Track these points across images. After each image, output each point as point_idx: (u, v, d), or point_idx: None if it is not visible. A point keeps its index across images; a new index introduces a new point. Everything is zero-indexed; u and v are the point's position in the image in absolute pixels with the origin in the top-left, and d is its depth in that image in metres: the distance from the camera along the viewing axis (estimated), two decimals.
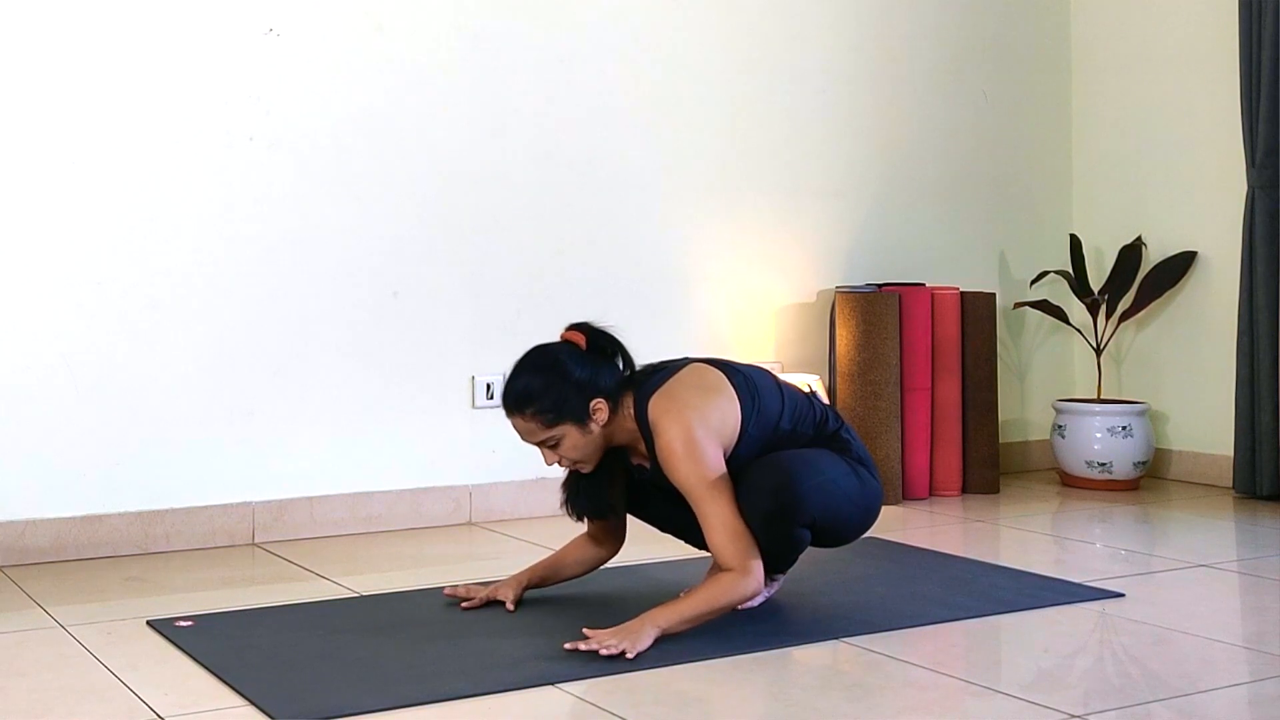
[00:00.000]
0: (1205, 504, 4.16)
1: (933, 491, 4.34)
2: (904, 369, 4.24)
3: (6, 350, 3.38)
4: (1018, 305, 4.66)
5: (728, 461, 2.64)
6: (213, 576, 3.24)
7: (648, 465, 2.74)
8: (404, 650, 2.56)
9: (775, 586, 2.87)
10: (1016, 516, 3.98)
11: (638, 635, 2.48)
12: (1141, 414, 4.43)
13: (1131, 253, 4.60)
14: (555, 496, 2.86)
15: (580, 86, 4.08)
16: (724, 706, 2.27)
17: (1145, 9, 4.70)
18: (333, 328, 3.75)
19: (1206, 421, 4.53)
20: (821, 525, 2.67)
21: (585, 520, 2.87)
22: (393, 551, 3.53)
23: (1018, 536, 3.69)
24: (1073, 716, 2.17)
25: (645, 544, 3.36)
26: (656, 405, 2.63)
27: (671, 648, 2.51)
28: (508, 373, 2.70)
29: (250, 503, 3.64)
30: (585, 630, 2.55)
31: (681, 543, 3.01)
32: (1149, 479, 4.61)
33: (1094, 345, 4.63)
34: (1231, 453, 4.39)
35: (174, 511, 3.55)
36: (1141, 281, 4.57)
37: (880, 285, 4.39)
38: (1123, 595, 2.96)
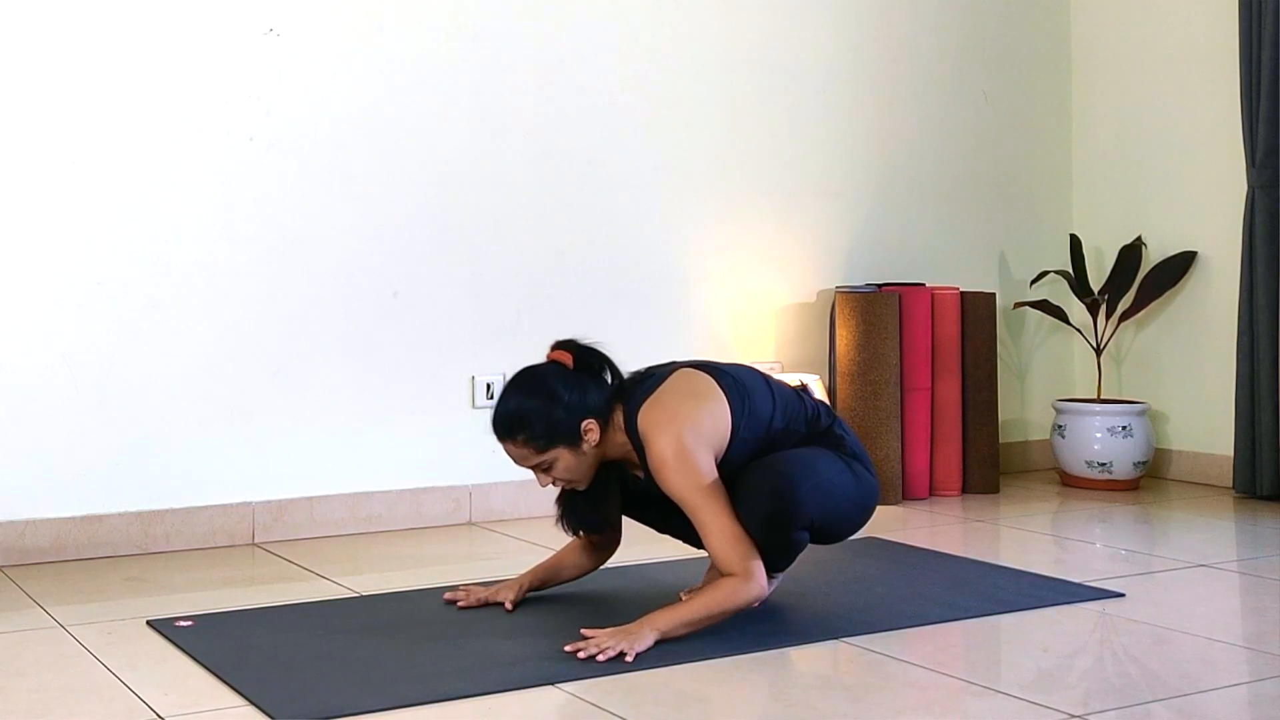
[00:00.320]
0: (1205, 504, 4.16)
1: (933, 491, 4.34)
2: (904, 369, 4.24)
3: (6, 350, 3.38)
4: (1018, 305, 4.66)
5: (721, 464, 2.63)
6: (213, 576, 3.24)
7: (642, 475, 2.73)
8: (404, 650, 2.56)
9: (773, 585, 2.87)
10: (1016, 516, 3.98)
11: (637, 637, 2.48)
12: (1141, 414, 4.43)
13: (1131, 253, 4.60)
14: (555, 496, 2.86)
15: (580, 86, 4.08)
16: (724, 706, 2.27)
17: (1145, 9, 4.70)
18: (333, 328, 3.75)
19: (1206, 421, 4.53)
20: (820, 526, 2.67)
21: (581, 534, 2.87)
22: (393, 551, 3.53)
23: (1018, 536, 3.69)
24: (1073, 716, 2.17)
25: (645, 544, 3.36)
26: (646, 417, 2.61)
27: (671, 648, 2.51)
28: (495, 398, 2.69)
29: (250, 503, 3.64)
30: (584, 630, 2.55)
31: (681, 543, 3.01)
32: (1149, 479, 4.61)
33: (1094, 345, 4.63)
34: (1231, 453, 4.39)
35: (174, 511, 3.55)
36: (1141, 281, 4.57)
37: (880, 285, 4.39)
38: (1123, 595, 2.96)
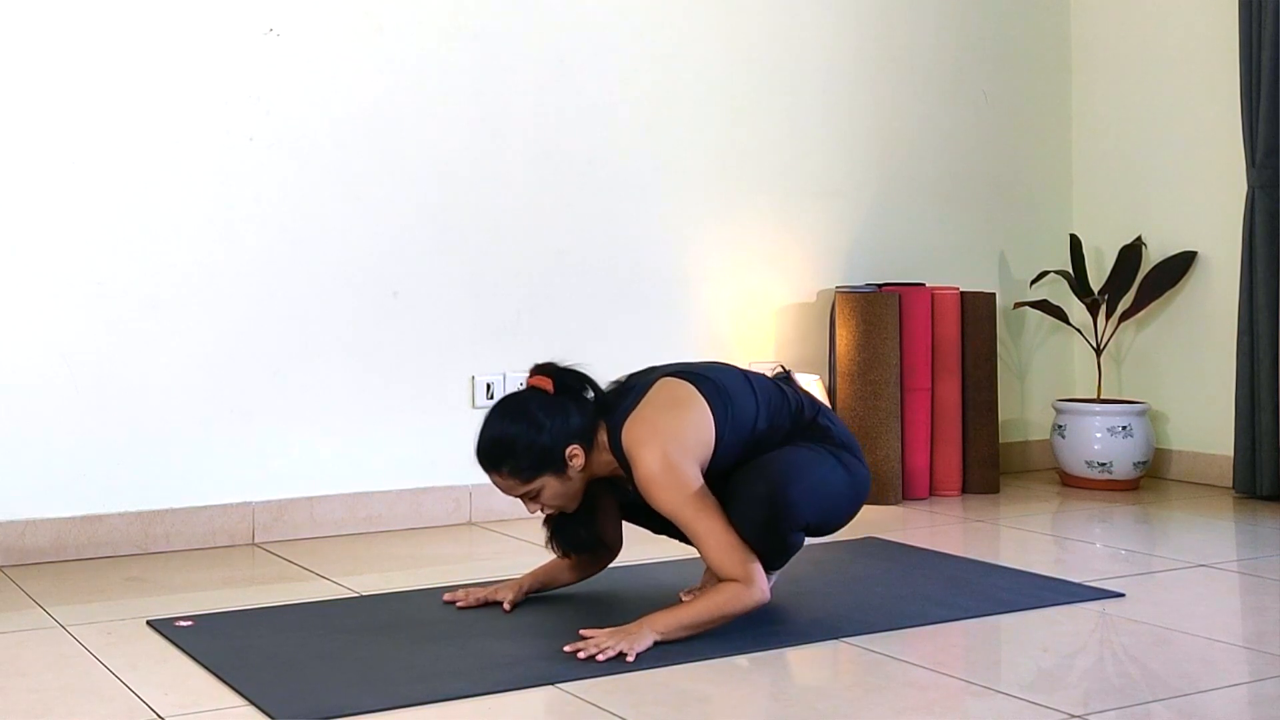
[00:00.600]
0: (1205, 504, 4.16)
1: (933, 491, 4.34)
2: (904, 369, 4.24)
3: (7, 350, 3.38)
4: (1018, 305, 4.66)
5: (708, 470, 2.61)
6: (213, 576, 3.24)
7: (632, 490, 2.71)
8: (404, 650, 2.56)
9: (770, 582, 2.85)
10: (1016, 516, 3.98)
11: (636, 637, 2.48)
12: (1141, 414, 4.43)
13: (1131, 253, 4.60)
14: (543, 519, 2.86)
15: (580, 87, 4.08)
16: (724, 706, 2.27)
17: (1145, 9, 4.70)
18: (333, 328, 3.75)
19: (1206, 421, 4.53)
20: (816, 524, 2.67)
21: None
22: (393, 551, 3.53)
23: (1018, 536, 3.69)
24: (1073, 716, 2.17)
25: (645, 544, 3.35)
26: (630, 434, 2.59)
27: (671, 648, 2.51)
28: (478, 429, 2.67)
29: (250, 503, 3.64)
30: (583, 631, 2.55)
31: (680, 544, 3.01)
32: (1149, 479, 4.61)
33: (1094, 345, 4.63)
34: (1231, 453, 4.39)
35: (174, 511, 3.55)
36: (1141, 281, 4.57)
37: (880, 285, 4.39)
38: (1123, 595, 2.96)
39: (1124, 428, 4.38)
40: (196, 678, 2.42)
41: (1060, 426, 4.49)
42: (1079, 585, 3.04)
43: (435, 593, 2.98)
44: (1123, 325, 4.68)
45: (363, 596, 3.01)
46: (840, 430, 2.77)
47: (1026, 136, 4.86)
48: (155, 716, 2.22)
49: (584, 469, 2.66)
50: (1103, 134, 4.85)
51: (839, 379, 4.23)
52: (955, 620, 2.77)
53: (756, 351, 4.31)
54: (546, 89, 4.03)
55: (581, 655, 2.45)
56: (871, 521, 3.89)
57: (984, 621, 2.78)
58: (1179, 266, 4.54)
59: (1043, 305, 4.55)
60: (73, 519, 3.44)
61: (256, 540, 3.64)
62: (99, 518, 3.47)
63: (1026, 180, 4.87)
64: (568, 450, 2.62)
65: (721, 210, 4.29)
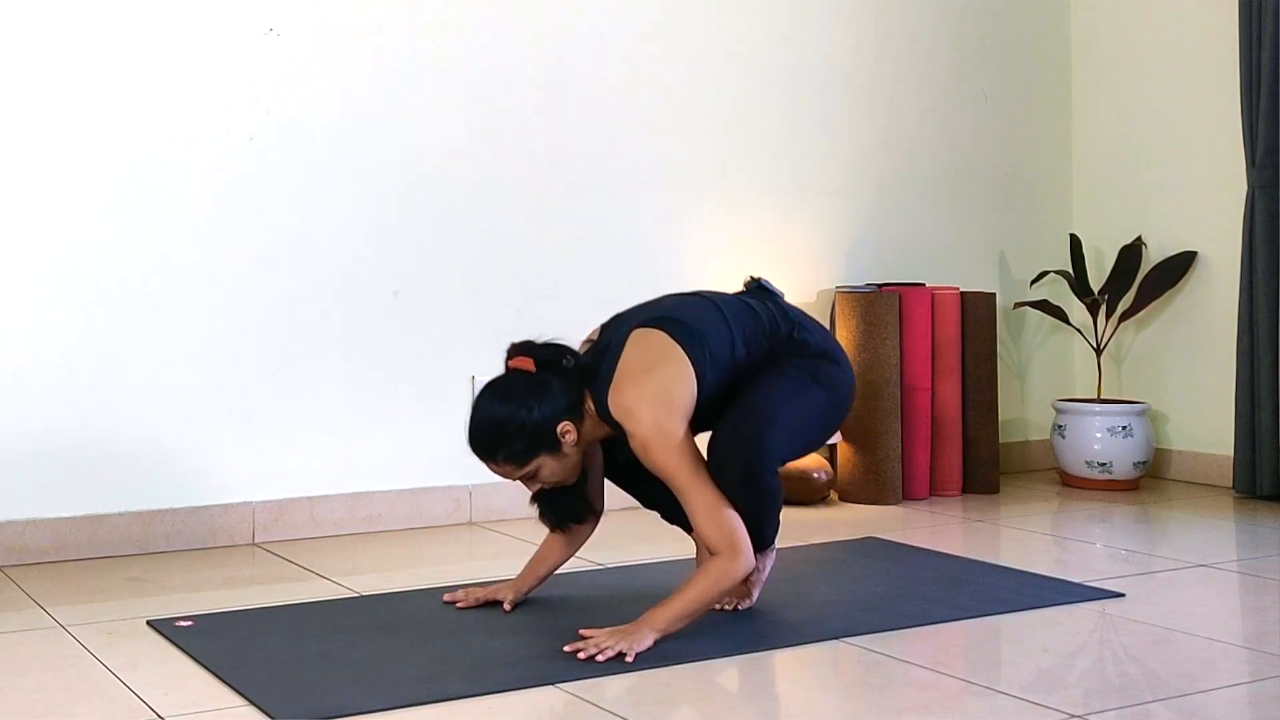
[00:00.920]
0: (1205, 504, 4.16)
1: (933, 491, 4.34)
2: (904, 369, 4.24)
3: (7, 350, 3.38)
4: (1018, 305, 4.66)
5: (697, 407, 2.61)
6: (213, 576, 3.24)
7: (628, 451, 2.70)
8: (404, 650, 2.56)
9: (768, 564, 2.85)
10: (1016, 516, 3.98)
11: (636, 638, 2.48)
12: (1141, 414, 4.43)
13: (1131, 253, 4.60)
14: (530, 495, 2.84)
15: (580, 86, 4.08)
16: (724, 706, 2.27)
17: (1145, 9, 4.70)
18: (333, 328, 3.75)
19: (1206, 421, 4.53)
20: (801, 453, 2.72)
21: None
22: (393, 551, 3.53)
23: (1018, 536, 3.69)
24: (1073, 716, 2.17)
25: (645, 544, 3.36)
26: (616, 401, 2.58)
27: (671, 648, 2.51)
28: (467, 419, 2.66)
29: (250, 503, 3.64)
30: (583, 630, 2.55)
31: (680, 543, 3.01)
32: (1149, 479, 4.61)
33: (1094, 345, 4.63)
34: (1231, 453, 4.39)
35: (174, 511, 3.55)
36: (1141, 281, 4.57)
37: (880, 285, 4.39)
38: (1123, 595, 2.96)
39: (1124, 428, 4.38)
40: (196, 678, 2.42)
41: (1060, 426, 4.49)
42: (1079, 585, 3.04)
43: (435, 593, 2.98)
44: (1123, 325, 4.68)
45: (363, 596, 3.01)
46: (817, 339, 2.76)
47: (1026, 136, 4.86)
48: (155, 716, 2.22)
49: (578, 442, 2.66)
50: (1103, 134, 4.85)
51: None
52: (955, 620, 2.77)
53: None
54: (546, 89, 4.03)
55: (581, 655, 2.45)
56: (871, 521, 3.89)
57: (984, 621, 2.78)
58: (1179, 266, 4.54)
59: (1043, 305, 4.55)
60: (73, 519, 3.44)
61: (256, 540, 3.64)
62: (99, 518, 3.47)
63: (1026, 180, 4.87)
64: (559, 428, 2.62)
65: (721, 210, 4.29)
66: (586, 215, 4.09)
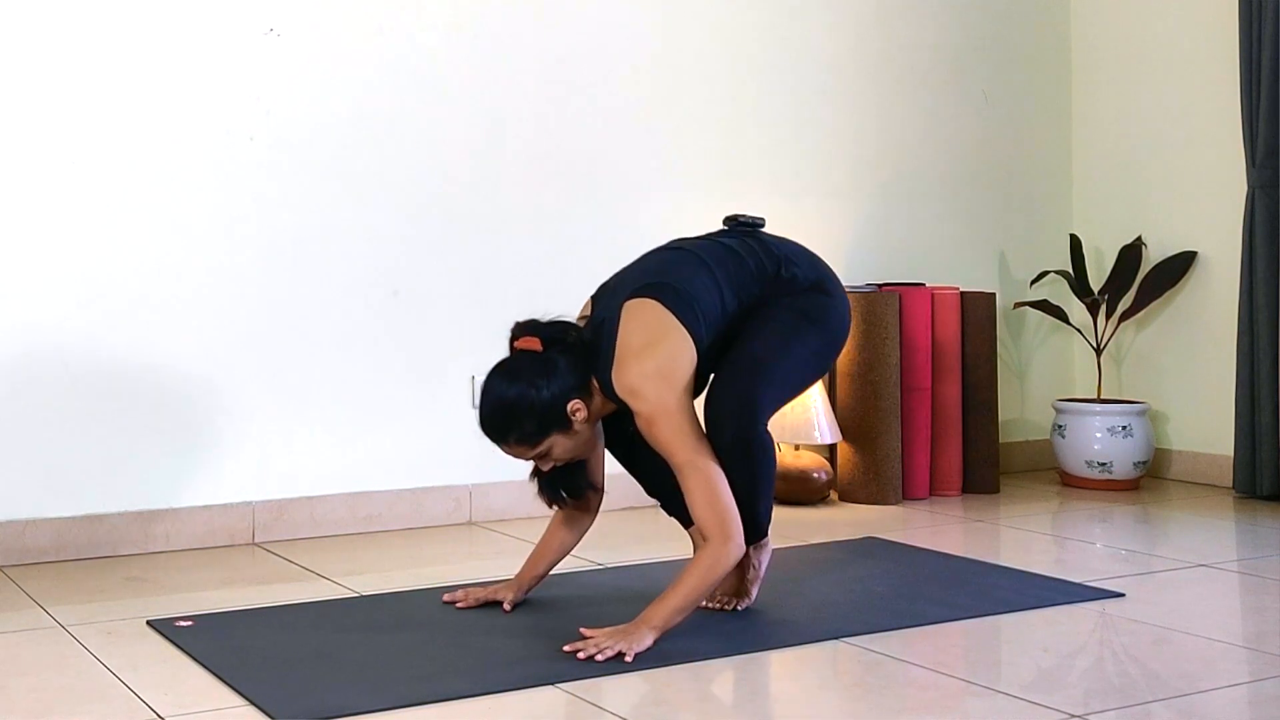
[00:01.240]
0: (1205, 504, 4.16)
1: (933, 491, 4.34)
2: (904, 369, 4.24)
3: (6, 350, 3.38)
4: (1018, 305, 4.66)
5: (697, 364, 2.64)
6: (213, 576, 3.24)
7: (633, 427, 2.70)
8: (404, 650, 2.56)
9: (765, 558, 2.85)
10: (1016, 516, 3.98)
11: (636, 638, 2.47)
12: (1141, 414, 4.43)
13: (1131, 253, 4.60)
14: (530, 471, 2.82)
15: (581, 86, 4.08)
16: (724, 706, 2.27)
17: (1145, 9, 4.70)
18: (333, 327, 3.75)
19: (1206, 421, 4.53)
20: (794, 397, 2.75)
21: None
22: (393, 551, 3.53)
23: (1018, 536, 3.69)
24: (1073, 716, 2.17)
25: (645, 544, 3.36)
26: (620, 380, 2.58)
27: (671, 648, 2.51)
28: (478, 402, 2.66)
29: (250, 503, 3.64)
30: (582, 630, 2.54)
31: (678, 543, 3.00)
32: (1149, 479, 4.61)
33: (1094, 345, 4.63)
34: (1231, 453, 4.39)
35: (174, 511, 3.55)
36: (1141, 281, 4.57)
37: (880, 285, 4.39)
38: (1123, 595, 2.96)
39: (1124, 428, 4.38)
40: (196, 678, 2.42)
41: (1060, 426, 4.49)
42: (1079, 585, 3.04)
43: (435, 593, 2.98)
44: (1123, 325, 4.68)
45: (363, 596, 3.01)
46: (806, 271, 2.76)
47: (1026, 136, 4.86)
48: (155, 716, 2.22)
49: (588, 419, 2.66)
50: (1103, 134, 4.85)
51: (839, 379, 4.23)
52: (955, 620, 2.77)
53: None
54: (547, 89, 4.03)
55: (581, 655, 2.45)
56: (871, 521, 3.89)
57: (984, 621, 2.78)
58: (1179, 266, 4.54)
59: (1043, 305, 4.55)
60: (73, 519, 3.44)
61: (256, 540, 3.64)
62: (99, 518, 3.47)
63: (1026, 180, 4.87)
64: (570, 406, 2.62)
65: (722, 210, 4.28)
66: (586, 215, 4.09)
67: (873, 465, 4.16)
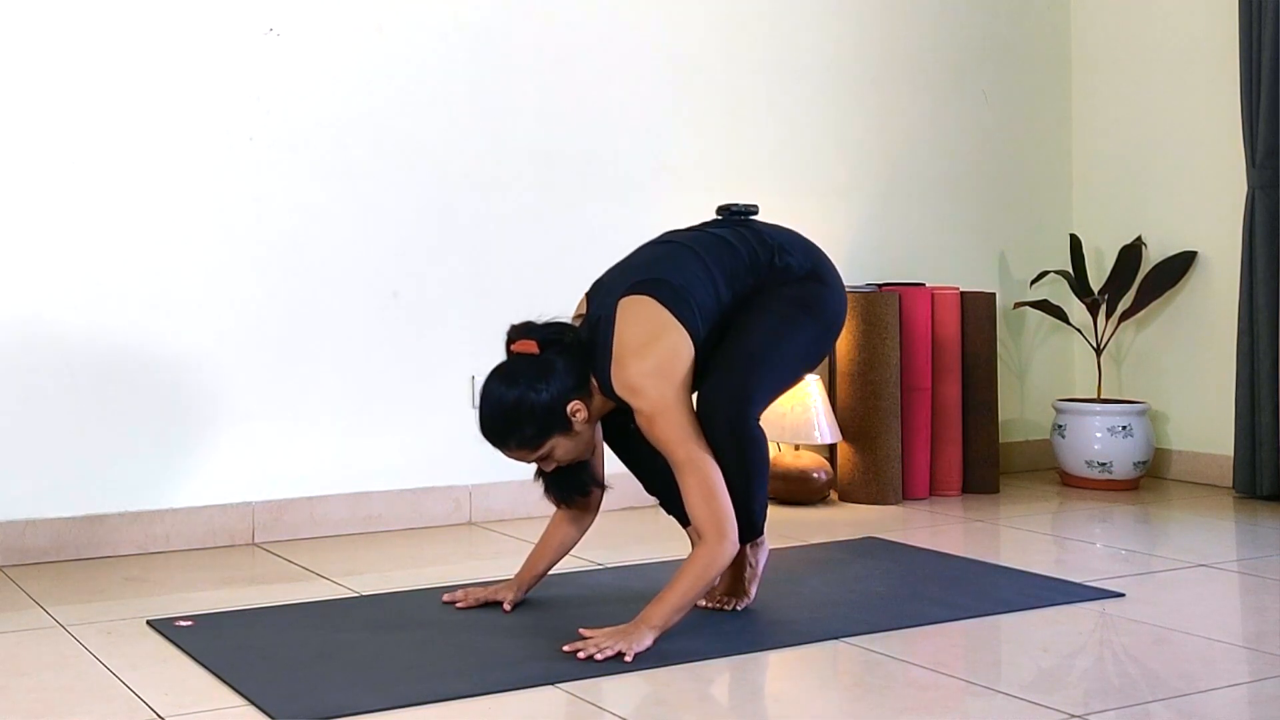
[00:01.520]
0: (1205, 504, 4.16)
1: (933, 491, 4.34)
2: (904, 369, 4.24)
3: (6, 350, 3.38)
4: (1018, 305, 4.66)
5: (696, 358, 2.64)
6: (213, 576, 3.24)
7: (633, 424, 2.70)
8: (404, 650, 2.56)
9: (762, 556, 2.84)
10: (1016, 516, 3.98)
11: (634, 637, 2.47)
12: (1141, 414, 4.43)
13: (1131, 253, 4.60)
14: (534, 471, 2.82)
15: (580, 86, 4.08)
16: (724, 706, 2.27)
17: (1145, 9, 4.70)
18: (333, 328, 3.75)
19: (1206, 421, 4.53)
20: (789, 388, 2.76)
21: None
22: (393, 551, 3.53)
23: (1018, 536, 3.69)
24: (1073, 716, 2.17)
25: (645, 544, 3.36)
26: (619, 379, 2.58)
27: (670, 648, 2.51)
28: (477, 407, 2.65)
29: (250, 503, 3.64)
30: (582, 630, 2.54)
31: (678, 543, 3.00)
32: (1149, 479, 4.61)
33: (1094, 345, 4.63)
34: (1231, 453, 4.39)
35: (174, 511, 3.55)
36: (1141, 281, 4.57)
37: (880, 285, 4.39)
38: (1123, 595, 2.96)
39: (1124, 428, 4.38)
40: (196, 678, 2.42)
41: (1060, 426, 4.49)
42: (1079, 585, 3.04)
43: (435, 593, 2.98)
44: (1123, 325, 4.68)
45: (363, 596, 3.01)
46: (800, 260, 2.76)
47: (1026, 136, 4.86)
48: (155, 716, 2.22)
49: (588, 419, 2.66)
50: (1103, 134, 4.85)
51: (839, 379, 4.23)
52: (955, 620, 2.77)
53: None
54: (547, 89, 4.03)
55: (581, 655, 2.45)
56: (871, 521, 3.89)
57: (984, 621, 2.78)
58: (1179, 266, 4.54)
59: (1043, 305, 4.55)
60: (73, 519, 3.44)
61: (256, 540, 3.64)
62: (99, 518, 3.47)
63: (1026, 180, 4.87)
64: (570, 407, 2.62)
65: None
66: (586, 215, 4.09)
67: (873, 465, 4.16)
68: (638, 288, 2.65)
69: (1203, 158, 4.52)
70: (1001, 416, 4.75)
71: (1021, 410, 4.86)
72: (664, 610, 2.52)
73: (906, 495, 4.28)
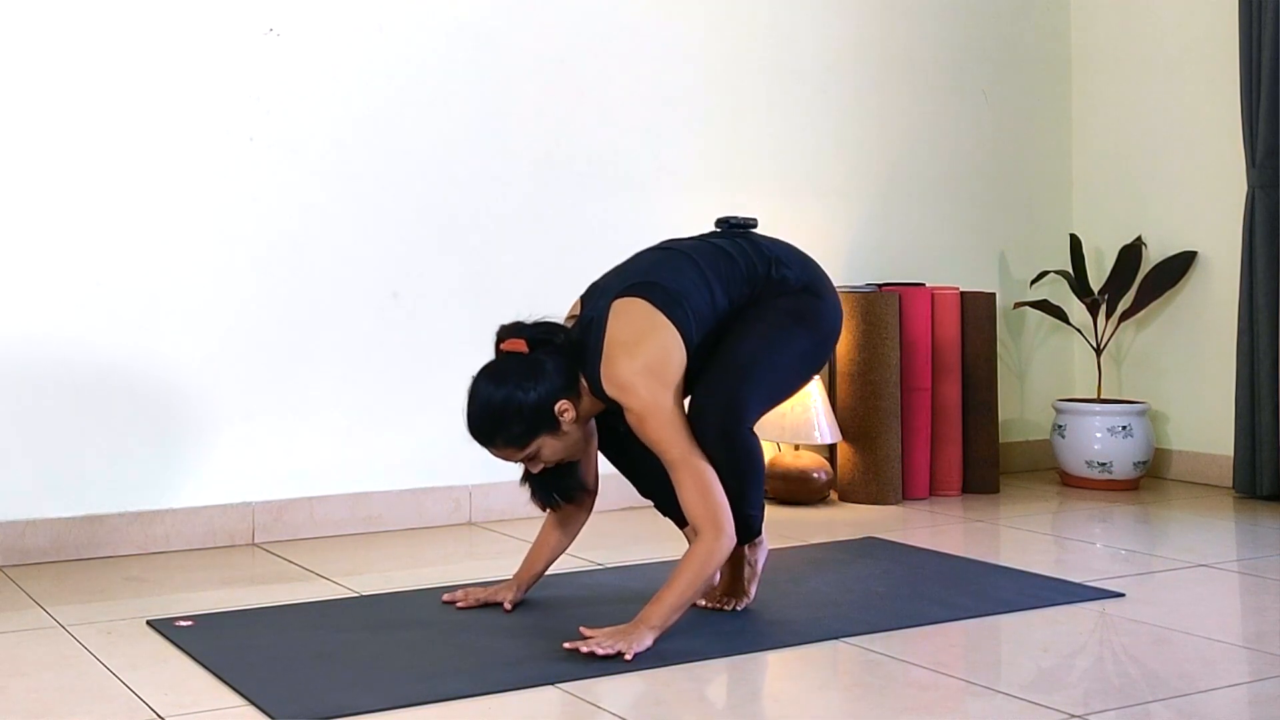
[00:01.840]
0: (1205, 504, 4.16)
1: (933, 491, 4.34)
2: (904, 369, 4.24)
3: (6, 349, 3.38)
4: (1018, 305, 4.66)
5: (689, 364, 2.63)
6: (213, 576, 3.24)
7: (624, 426, 2.70)
8: (404, 650, 2.56)
9: (761, 555, 2.84)
10: (1016, 516, 3.98)
11: (634, 637, 2.47)
12: (1141, 414, 4.43)
13: (1131, 253, 4.60)
14: (521, 475, 2.82)
15: (581, 87, 4.08)
16: (723, 706, 2.27)
17: (1145, 9, 4.70)
18: (333, 328, 3.75)
19: (1206, 421, 4.53)
20: (782, 402, 2.75)
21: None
22: (393, 551, 3.53)
23: (1018, 536, 3.69)
24: (1073, 716, 2.17)
25: (644, 544, 3.36)
26: (610, 377, 2.58)
27: (670, 648, 2.51)
28: (465, 405, 2.66)
29: (250, 503, 3.64)
30: (582, 629, 2.54)
31: (677, 543, 3.00)
32: (1149, 479, 4.61)
33: (1094, 345, 4.63)
34: (1231, 453, 4.39)
35: (174, 511, 3.55)
36: (1141, 281, 4.57)
37: (880, 285, 4.39)
38: (1123, 595, 2.96)
39: (1124, 428, 4.38)
40: (196, 678, 2.42)
41: (1060, 426, 4.49)
42: (1079, 585, 3.04)
43: (435, 593, 2.98)
44: (1123, 325, 4.68)
45: (363, 596, 3.01)
46: (797, 273, 2.76)
47: (1026, 136, 4.86)
48: (155, 716, 2.22)
49: (576, 419, 2.65)
50: (1103, 134, 4.85)
51: (839, 379, 4.23)
52: (955, 620, 2.77)
53: None
54: (547, 89, 4.03)
55: (583, 649, 2.45)
56: (871, 521, 3.89)
57: (984, 621, 2.78)
58: (1179, 266, 4.54)
59: (1043, 305, 4.55)
60: (73, 519, 3.44)
61: (256, 540, 3.64)
62: (99, 518, 3.47)
63: (1026, 180, 4.87)
64: (557, 407, 2.61)
65: (722, 210, 4.28)
66: (586, 215, 4.09)
67: (873, 465, 4.16)
68: (631, 290, 2.65)
69: (1202, 157, 4.52)
70: (1001, 416, 4.75)
71: (1021, 410, 4.86)
72: (663, 609, 2.52)
73: (906, 495, 4.28)
